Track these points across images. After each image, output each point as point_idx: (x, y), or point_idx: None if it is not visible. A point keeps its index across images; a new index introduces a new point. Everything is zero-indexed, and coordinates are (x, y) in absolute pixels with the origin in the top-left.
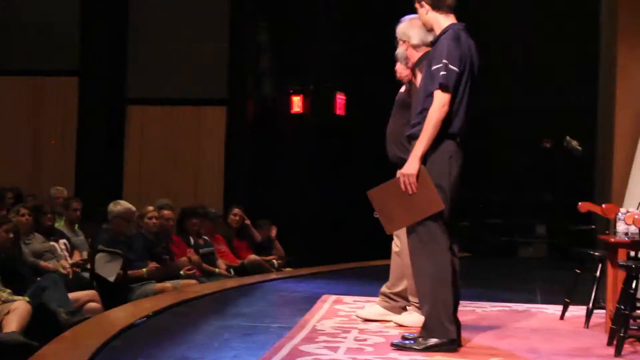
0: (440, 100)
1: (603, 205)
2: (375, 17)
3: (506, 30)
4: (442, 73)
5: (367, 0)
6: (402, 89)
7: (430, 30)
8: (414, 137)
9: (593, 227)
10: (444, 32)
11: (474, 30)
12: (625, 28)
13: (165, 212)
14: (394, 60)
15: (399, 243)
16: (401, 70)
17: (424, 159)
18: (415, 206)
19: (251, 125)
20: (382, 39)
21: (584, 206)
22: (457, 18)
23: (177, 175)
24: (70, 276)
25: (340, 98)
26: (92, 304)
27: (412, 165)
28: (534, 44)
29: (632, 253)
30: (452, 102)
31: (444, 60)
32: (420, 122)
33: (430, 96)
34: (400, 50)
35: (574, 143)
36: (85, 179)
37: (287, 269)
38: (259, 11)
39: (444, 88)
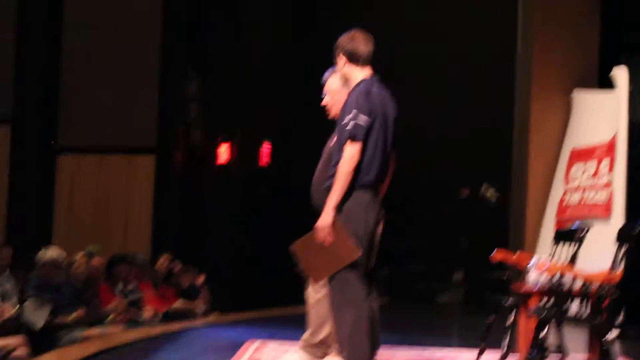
0: (349, 152)
1: (515, 255)
2: (304, 67)
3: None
4: (350, 125)
5: (297, 50)
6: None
7: (346, 82)
8: (329, 189)
9: (507, 275)
10: (356, 85)
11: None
12: (539, 84)
13: (94, 259)
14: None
15: (317, 291)
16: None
17: (340, 209)
18: (333, 256)
19: (180, 173)
20: (310, 89)
21: (497, 256)
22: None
23: (107, 223)
24: None
25: (267, 147)
26: (20, 351)
27: (324, 218)
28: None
29: (544, 301)
30: (364, 153)
31: (353, 113)
32: (334, 175)
33: (342, 149)
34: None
35: (490, 192)
36: (16, 226)
37: (213, 315)
38: (188, 61)
39: (352, 139)
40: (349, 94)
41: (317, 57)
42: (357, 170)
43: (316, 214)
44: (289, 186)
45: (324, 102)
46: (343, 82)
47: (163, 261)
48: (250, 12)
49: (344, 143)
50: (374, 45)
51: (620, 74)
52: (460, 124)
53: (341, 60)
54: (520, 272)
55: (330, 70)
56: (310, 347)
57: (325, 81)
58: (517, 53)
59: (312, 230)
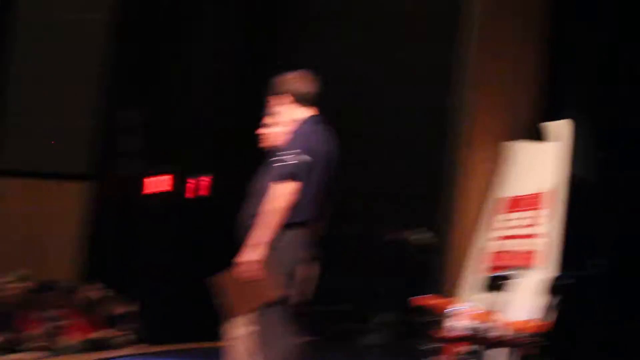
0: (284, 190)
1: (435, 301)
2: (246, 101)
3: None
4: (292, 164)
5: (238, 83)
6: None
7: (287, 119)
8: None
9: (428, 319)
10: (301, 124)
11: None
12: (477, 132)
13: (23, 284)
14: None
15: (233, 329)
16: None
17: (271, 246)
18: (253, 293)
19: (113, 201)
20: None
21: (416, 300)
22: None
23: (34, 250)
24: None
25: (204, 180)
26: None
27: (244, 255)
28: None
29: (467, 349)
30: (301, 192)
31: (295, 152)
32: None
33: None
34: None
35: (414, 237)
36: None
37: (141, 345)
38: (128, 92)
39: (292, 178)
40: (293, 132)
41: (257, 96)
42: (293, 208)
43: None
44: (225, 219)
45: (260, 131)
46: (282, 118)
47: (90, 289)
48: (193, 47)
49: (282, 180)
50: (318, 87)
51: (562, 127)
52: (390, 170)
53: (285, 98)
54: (440, 318)
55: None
56: None
57: (265, 114)
58: (453, 97)
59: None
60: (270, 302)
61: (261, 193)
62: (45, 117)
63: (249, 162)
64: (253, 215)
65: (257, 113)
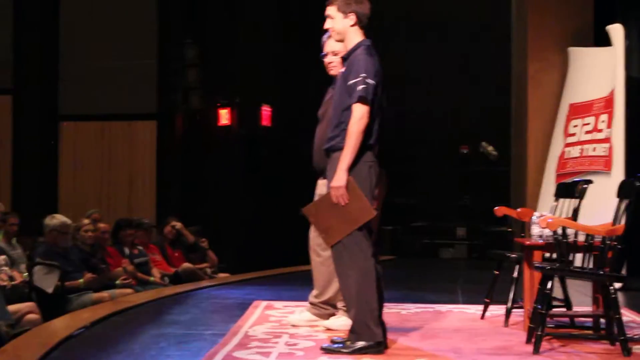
0: (360, 112)
1: (518, 210)
2: (301, 32)
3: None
4: (360, 87)
5: (290, 17)
6: (329, 95)
7: (339, 41)
8: (332, 150)
9: (509, 229)
10: (357, 47)
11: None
12: (534, 43)
13: (101, 224)
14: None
15: (321, 252)
16: (336, 62)
17: (349, 170)
18: (349, 216)
19: (181, 138)
20: (306, 54)
21: (500, 210)
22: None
23: (111, 189)
24: (9, 288)
25: (266, 110)
26: (32, 316)
27: (340, 178)
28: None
29: (547, 255)
30: (371, 114)
31: (362, 74)
32: (339, 135)
33: (347, 110)
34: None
35: (490, 149)
36: (21, 194)
37: (220, 276)
38: (185, 29)
39: (363, 101)
40: (354, 55)
41: (313, 19)
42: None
43: (316, 175)
44: (288, 148)
45: (327, 60)
46: (339, 40)
47: (172, 225)
48: None
49: (352, 103)
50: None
51: (616, 31)
52: (462, 84)
53: (347, 17)
54: (524, 227)
55: (327, 33)
56: (317, 307)
57: (325, 42)
58: (512, 12)
59: (325, 193)
60: (364, 222)
61: (333, 117)
62: (110, 63)
63: (308, 91)
64: (327, 141)
65: (314, 42)
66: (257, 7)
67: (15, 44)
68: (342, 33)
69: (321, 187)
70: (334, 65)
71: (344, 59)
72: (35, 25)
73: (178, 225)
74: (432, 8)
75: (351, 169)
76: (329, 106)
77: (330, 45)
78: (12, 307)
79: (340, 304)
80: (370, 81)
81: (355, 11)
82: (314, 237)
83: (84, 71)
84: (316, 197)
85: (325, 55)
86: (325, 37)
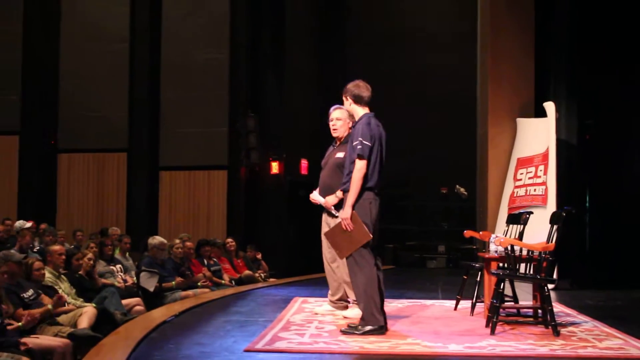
0: (359, 165)
1: (481, 232)
2: (326, 106)
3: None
4: (358, 147)
5: (326, 94)
6: (331, 150)
7: (351, 116)
8: (346, 190)
9: (475, 246)
10: (360, 119)
11: None
12: (493, 113)
13: (187, 243)
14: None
15: (331, 264)
16: (338, 126)
17: (353, 206)
18: (353, 239)
19: (245, 183)
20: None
21: (468, 233)
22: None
23: (194, 218)
24: (123, 288)
25: (304, 162)
26: (138, 307)
27: (346, 212)
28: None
29: (501, 264)
30: (368, 166)
31: (359, 138)
32: (348, 181)
33: (353, 163)
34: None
35: (462, 190)
36: (133, 221)
37: (271, 280)
38: (248, 104)
39: (360, 157)
40: (355, 125)
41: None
42: (364, 177)
43: (322, 209)
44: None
45: (331, 124)
46: (347, 115)
47: (231, 242)
48: (290, 67)
49: (354, 159)
50: (371, 91)
51: (549, 107)
52: (438, 144)
53: (347, 101)
54: (485, 245)
55: (334, 106)
56: (334, 303)
57: (331, 112)
58: (477, 90)
59: (338, 222)
60: (364, 242)
61: (336, 167)
62: (196, 128)
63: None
64: (343, 183)
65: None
66: (299, 94)
67: (130, 109)
68: (349, 111)
69: (324, 216)
70: (335, 128)
71: (352, 127)
72: (144, 103)
73: (232, 242)
74: (410, 80)
75: (355, 204)
76: (329, 158)
77: (335, 114)
78: (125, 301)
79: (352, 299)
80: (366, 143)
81: (352, 94)
82: (326, 253)
83: (177, 134)
84: (323, 225)
85: (331, 120)
86: (332, 108)
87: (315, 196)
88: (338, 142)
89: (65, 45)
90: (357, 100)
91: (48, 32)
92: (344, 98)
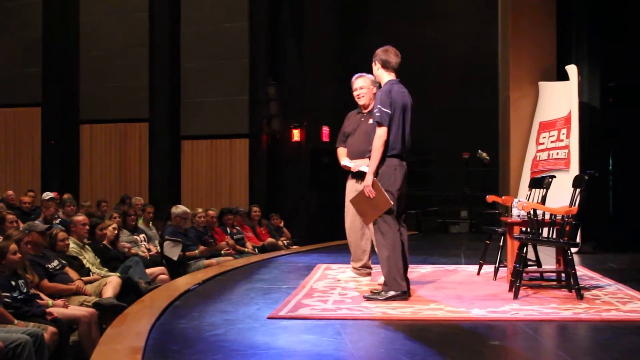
0: (378, 132)
1: (503, 197)
2: (351, 70)
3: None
4: (377, 114)
5: (346, 58)
6: (358, 117)
7: (375, 82)
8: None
9: (497, 211)
10: (384, 85)
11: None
12: (515, 78)
13: (210, 211)
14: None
15: (352, 234)
16: (362, 94)
17: (377, 173)
18: (376, 206)
19: (266, 151)
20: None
21: (490, 198)
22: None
23: (218, 187)
24: (147, 258)
25: (325, 129)
26: (162, 276)
27: (368, 179)
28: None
29: (523, 229)
30: (390, 132)
31: (379, 106)
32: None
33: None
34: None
35: (484, 155)
36: (156, 191)
37: (293, 247)
38: (269, 72)
39: (379, 124)
40: (378, 92)
41: (360, 64)
42: (387, 144)
43: (351, 174)
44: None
45: (355, 94)
46: (371, 82)
47: (255, 210)
48: (310, 36)
49: (378, 126)
50: (400, 58)
51: (572, 70)
52: (463, 108)
53: (375, 65)
54: (507, 209)
55: (355, 75)
56: (358, 270)
57: (354, 81)
58: (499, 56)
59: (362, 190)
60: (385, 210)
61: (365, 132)
62: (218, 98)
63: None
64: (368, 151)
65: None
66: (321, 54)
67: (151, 78)
68: (376, 76)
69: (350, 182)
70: (361, 96)
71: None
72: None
73: (257, 210)
74: (432, 46)
75: (381, 171)
76: (357, 124)
77: (357, 82)
78: (149, 270)
79: (375, 267)
80: (385, 110)
81: (380, 59)
82: (348, 223)
83: (198, 103)
84: (349, 191)
85: (355, 89)
86: (354, 77)
87: (347, 162)
88: (365, 110)
89: (84, 16)
90: (385, 64)
91: (67, 3)
92: (373, 63)
